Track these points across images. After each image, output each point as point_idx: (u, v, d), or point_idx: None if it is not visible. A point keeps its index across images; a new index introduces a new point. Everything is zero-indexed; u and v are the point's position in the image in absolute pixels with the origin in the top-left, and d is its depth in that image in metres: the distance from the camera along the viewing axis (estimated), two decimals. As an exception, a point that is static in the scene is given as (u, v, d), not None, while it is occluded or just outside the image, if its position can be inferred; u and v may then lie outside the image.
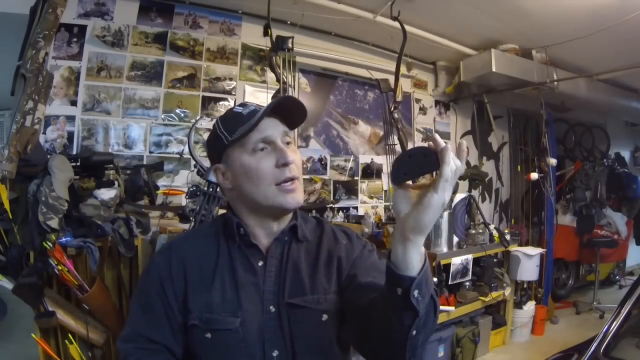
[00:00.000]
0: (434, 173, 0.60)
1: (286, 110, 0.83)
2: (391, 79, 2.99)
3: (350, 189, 3.44)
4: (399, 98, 2.82)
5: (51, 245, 1.72)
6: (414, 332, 0.64)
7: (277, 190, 0.80)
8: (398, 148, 3.01)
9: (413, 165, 0.61)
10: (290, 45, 2.48)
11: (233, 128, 0.81)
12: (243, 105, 0.86)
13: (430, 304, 0.64)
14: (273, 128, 0.81)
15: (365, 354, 0.79)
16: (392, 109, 2.84)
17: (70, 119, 2.38)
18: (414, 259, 0.61)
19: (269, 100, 2.54)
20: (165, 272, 0.83)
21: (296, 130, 3.05)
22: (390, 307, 0.64)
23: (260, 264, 0.84)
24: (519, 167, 4.68)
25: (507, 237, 3.44)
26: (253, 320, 0.80)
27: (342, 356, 0.87)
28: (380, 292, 0.67)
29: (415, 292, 0.61)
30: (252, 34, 2.91)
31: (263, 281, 0.83)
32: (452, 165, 0.58)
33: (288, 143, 0.83)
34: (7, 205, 1.75)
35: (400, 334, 0.64)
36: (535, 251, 3.55)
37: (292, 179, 0.80)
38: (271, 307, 0.82)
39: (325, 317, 0.82)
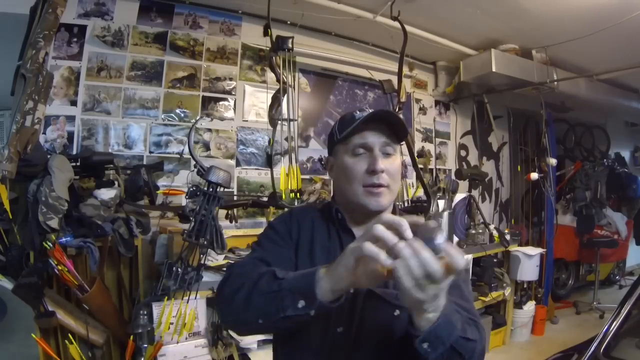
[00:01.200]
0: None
1: (392, 123, 0.90)
2: (392, 78, 2.99)
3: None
4: (403, 99, 2.82)
5: (51, 245, 1.72)
6: None
7: (364, 191, 0.89)
8: (402, 148, 3.01)
9: None
10: (290, 45, 2.48)
11: (344, 128, 0.91)
12: (362, 109, 0.92)
13: (448, 353, 0.68)
14: (374, 136, 0.89)
15: None
16: (397, 110, 2.84)
17: (70, 119, 2.38)
18: (422, 324, 0.66)
19: (269, 100, 2.55)
20: (288, 229, 0.96)
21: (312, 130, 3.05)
22: (411, 345, 0.70)
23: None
24: (519, 167, 4.68)
25: (507, 237, 3.44)
26: None
27: (408, 352, 0.86)
28: None
29: (425, 345, 0.67)
30: (252, 34, 2.91)
31: None
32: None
33: (388, 154, 0.90)
34: (7, 205, 1.75)
35: None
36: (535, 251, 3.55)
37: (378, 185, 0.88)
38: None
39: (397, 312, 0.84)
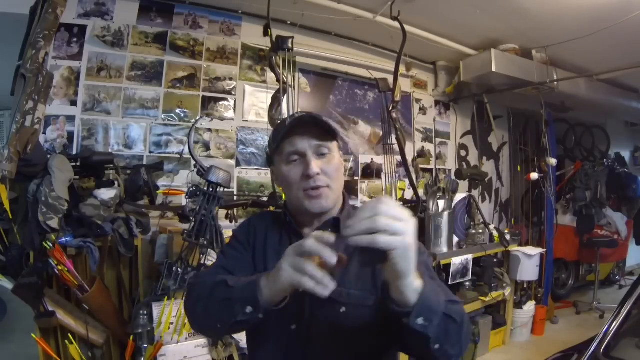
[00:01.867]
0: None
1: (315, 123, 0.91)
2: (390, 78, 2.99)
3: (350, 189, 3.44)
4: (398, 98, 2.82)
5: (51, 245, 1.72)
6: (437, 346, 0.70)
7: (304, 195, 0.91)
8: (396, 148, 3.01)
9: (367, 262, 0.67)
10: (290, 45, 2.48)
11: (276, 137, 0.93)
12: (292, 116, 0.96)
13: (443, 321, 0.69)
14: (304, 141, 0.90)
15: (410, 354, 0.86)
16: (391, 108, 2.84)
17: (70, 119, 2.38)
18: (409, 295, 0.67)
19: (269, 100, 2.56)
20: (247, 235, 1.01)
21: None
22: (405, 331, 0.69)
23: None
24: (519, 167, 4.68)
25: (507, 237, 3.44)
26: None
27: (368, 349, 0.91)
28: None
29: (419, 320, 0.67)
30: (252, 34, 2.91)
31: None
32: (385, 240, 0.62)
33: (323, 154, 0.91)
34: (7, 205, 1.75)
35: (426, 347, 0.70)
36: (535, 251, 3.55)
37: (316, 188, 0.90)
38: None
39: (343, 309, 0.87)
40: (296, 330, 0.89)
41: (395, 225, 0.62)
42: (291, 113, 0.96)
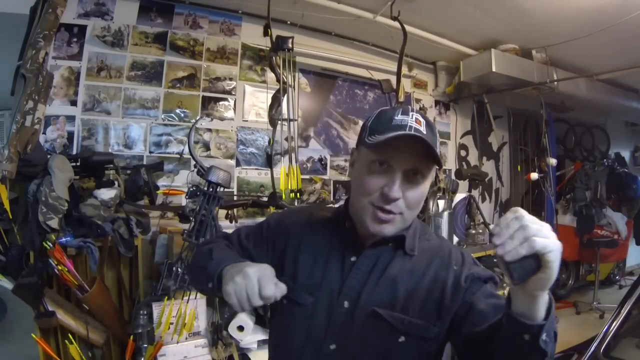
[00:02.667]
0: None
1: (422, 142, 0.77)
2: (392, 78, 2.99)
3: (350, 189, 3.44)
4: (402, 98, 2.82)
5: (51, 245, 1.72)
6: None
7: (372, 213, 0.80)
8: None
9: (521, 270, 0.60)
10: (290, 45, 2.49)
11: (378, 129, 0.79)
12: (405, 112, 0.79)
13: (554, 343, 0.65)
14: (402, 156, 0.77)
15: None
16: (393, 109, 2.84)
17: (70, 119, 2.38)
18: (541, 309, 0.61)
19: (269, 100, 2.56)
20: (277, 228, 0.96)
21: (311, 130, 3.05)
22: (516, 350, 0.63)
23: (353, 259, 0.86)
24: (519, 167, 4.68)
25: (507, 237, 3.43)
26: (324, 305, 0.84)
27: None
28: (501, 334, 0.66)
29: (544, 336, 0.61)
30: (252, 34, 2.91)
31: (347, 275, 0.84)
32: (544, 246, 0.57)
33: (414, 180, 0.79)
34: (7, 205, 1.75)
35: None
36: (535, 251, 3.54)
37: (388, 212, 0.79)
38: (345, 302, 0.83)
39: (402, 338, 0.80)
40: (336, 352, 0.81)
41: (542, 229, 0.58)
42: (406, 111, 0.81)
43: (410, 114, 0.79)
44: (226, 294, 0.72)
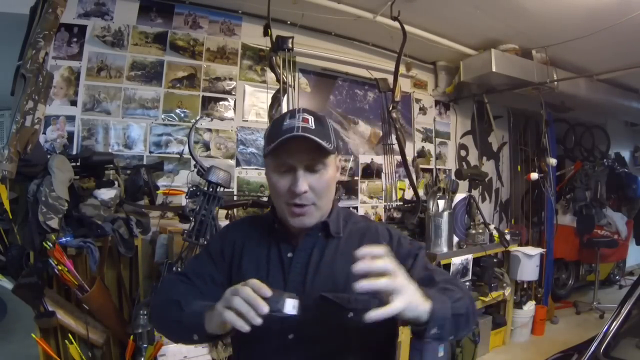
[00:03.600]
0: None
1: (316, 141, 0.84)
2: (391, 78, 2.99)
3: (350, 189, 3.44)
4: (398, 98, 2.82)
5: (51, 245, 1.72)
6: (451, 337, 0.76)
7: (288, 210, 0.89)
8: (396, 148, 3.01)
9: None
10: (290, 45, 2.48)
11: (272, 138, 0.87)
12: (292, 115, 0.88)
13: (453, 321, 0.73)
14: (296, 155, 0.85)
15: None
16: (391, 108, 2.84)
17: (70, 119, 2.38)
18: (421, 317, 0.70)
19: (269, 100, 2.55)
20: (221, 244, 0.99)
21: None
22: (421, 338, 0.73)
23: (290, 255, 0.92)
24: (519, 167, 4.68)
25: (507, 237, 3.44)
26: (273, 340, 0.88)
27: (366, 354, 0.91)
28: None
29: (433, 331, 0.71)
30: (252, 34, 2.91)
31: (289, 272, 0.91)
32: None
33: (316, 170, 0.87)
34: (7, 205, 1.75)
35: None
36: (535, 251, 3.55)
37: (301, 205, 0.87)
38: (290, 335, 0.88)
39: (351, 314, 0.86)
40: (295, 340, 0.88)
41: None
42: (293, 114, 0.89)
43: (297, 115, 0.87)
44: (225, 317, 0.70)
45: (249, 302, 0.69)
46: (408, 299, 0.67)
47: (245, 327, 0.68)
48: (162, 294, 0.96)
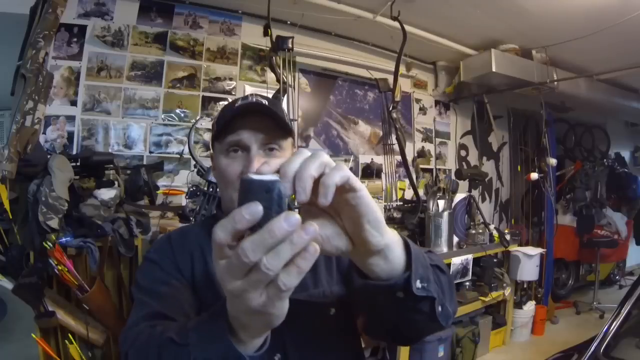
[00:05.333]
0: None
1: (268, 114, 0.75)
2: (391, 78, 2.99)
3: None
4: (398, 98, 2.82)
5: (51, 245, 1.72)
6: (440, 308, 0.57)
7: None
8: (396, 148, 3.01)
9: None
10: (290, 45, 2.49)
11: (223, 120, 0.77)
12: (245, 98, 0.79)
13: (435, 275, 0.57)
14: (251, 133, 0.74)
15: (381, 337, 0.74)
16: (391, 108, 2.84)
17: (70, 119, 2.38)
18: (396, 260, 0.51)
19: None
20: (171, 256, 0.79)
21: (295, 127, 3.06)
22: (401, 308, 0.55)
23: None
24: (519, 167, 4.68)
25: (507, 237, 3.44)
26: None
27: (352, 348, 0.82)
28: (376, 304, 0.57)
29: (417, 283, 0.52)
30: (252, 34, 2.91)
31: None
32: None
33: (272, 149, 0.76)
34: (7, 205, 1.75)
35: (427, 317, 0.57)
36: (535, 251, 3.55)
37: None
38: (277, 355, 0.72)
39: (333, 310, 0.76)
40: (283, 358, 0.72)
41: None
42: (246, 97, 0.80)
43: (250, 97, 0.78)
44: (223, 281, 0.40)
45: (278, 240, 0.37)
46: (372, 206, 0.46)
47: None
48: (138, 352, 0.60)
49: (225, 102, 2.82)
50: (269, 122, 0.75)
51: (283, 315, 0.43)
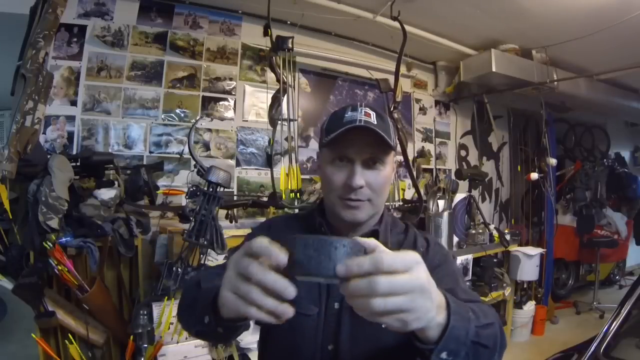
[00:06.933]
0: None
1: (378, 135, 0.81)
2: (391, 79, 2.99)
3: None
4: (399, 98, 2.82)
5: (51, 245, 1.72)
6: None
7: (341, 203, 0.84)
8: (397, 148, 3.01)
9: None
10: (290, 45, 2.49)
11: (332, 129, 0.83)
12: (354, 109, 0.84)
13: (472, 350, 0.59)
14: (357, 147, 0.82)
15: None
16: (392, 108, 2.84)
17: (70, 119, 2.38)
18: (431, 333, 0.55)
19: (269, 100, 2.56)
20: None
21: (297, 127, 3.05)
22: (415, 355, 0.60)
23: None
24: (519, 167, 4.68)
25: (507, 237, 3.44)
26: (320, 312, 0.84)
27: (402, 345, 0.82)
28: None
29: (443, 355, 0.56)
30: (252, 34, 2.91)
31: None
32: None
33: (374, 163, 0.83)
34: (7, 205, 1.75)
35: None
36: (535, 251, 3.55)
37: (355, 200, 0.83)
38: (335, 304, 0.84)
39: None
40: (335, 351, 0.81)
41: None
42: (355, 107, 0.85)
43: (359, 109, 0.84)
44: (243, 314, 0.53)
45: (269, 288, 0.50)
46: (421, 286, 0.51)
47: (280, 321, 0.51)
48: (185, 285, 0.88)
49: (225, 102, 2.84)
50: (374, 138, 0.81)
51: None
